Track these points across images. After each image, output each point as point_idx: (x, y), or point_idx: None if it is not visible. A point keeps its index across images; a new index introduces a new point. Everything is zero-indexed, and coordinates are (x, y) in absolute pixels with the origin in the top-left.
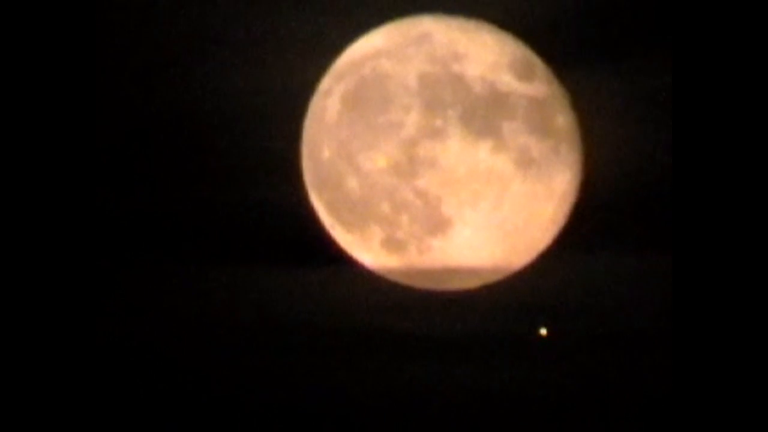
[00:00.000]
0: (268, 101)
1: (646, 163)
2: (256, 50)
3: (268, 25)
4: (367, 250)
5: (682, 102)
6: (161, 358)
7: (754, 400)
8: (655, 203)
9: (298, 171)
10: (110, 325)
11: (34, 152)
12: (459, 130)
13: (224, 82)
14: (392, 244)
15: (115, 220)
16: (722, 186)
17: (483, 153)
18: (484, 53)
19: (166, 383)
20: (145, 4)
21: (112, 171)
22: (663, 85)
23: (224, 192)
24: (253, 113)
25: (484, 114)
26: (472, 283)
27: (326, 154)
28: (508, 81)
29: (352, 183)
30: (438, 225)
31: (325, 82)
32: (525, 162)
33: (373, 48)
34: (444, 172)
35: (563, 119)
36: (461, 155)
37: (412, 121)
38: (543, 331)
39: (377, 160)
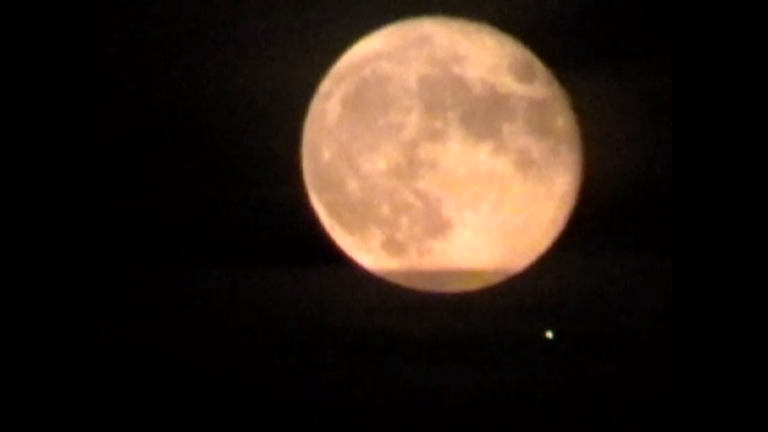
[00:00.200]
0: (269, 102)
1: (646, 165)
2: (256, 51)
3: (269, 26)
4: (368, 252)
5: (681, 103)
6: (160, 358)
7: (754, 400)
8: (655, 205)
9: (298, 173)
10: (110, 325)
11: (34, 152)
12: (459, 132)
13: (224, 83)
14: (392, 245)
15: (115, 220)
16: (722, 187)
17: (483, 155)
18: (484, 55)
19: (165, 383)
20: (145, 4)
21: (112, 171)
22: (663, 87)
23: (225, 193)
24: (254, 115)
25: (484, 116)
26: (473, 285)
27: (326, 155)
28: (508, 83)
29: (353, 185)
30: (438, 227)
31: (326, 84)
32: (525, 163)
33: (374, 50)
34: (444, 173)
35: (563, 121)
36: (461, 157)
37: (412, 122)
38: (549, 334)
39: (377, 161)
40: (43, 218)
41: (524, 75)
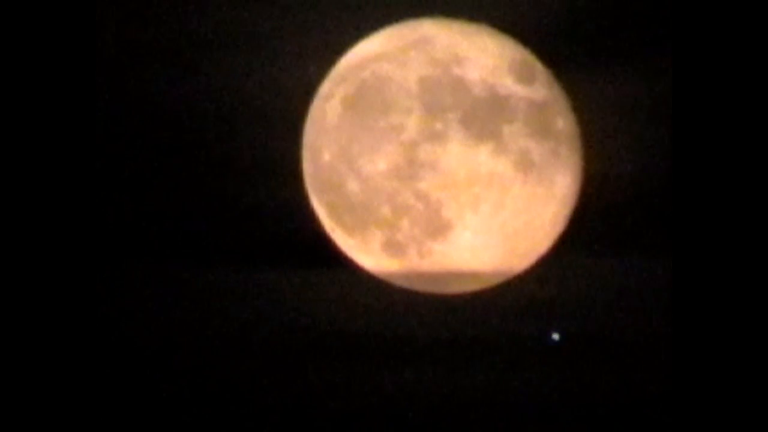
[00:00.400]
0: (269, 103)
1: (646, 166)
2: (256, 52)
3: (269, 26)
4: (368, 254)
5: (682, 105)
6: (159, 358)
7: (754, 402)
8: (656, 206)
9: (298, 174)
10: (110, 325)
11: (34, 152)
12: (459, 134)
13: (224, 83)
14: (393, 247)
15: (115, 220)
16: (722, 189)
17: (483, 156)
18: (485, 56)
19: (165, 383)
20: (145, 4)
21: (112, 171)
22: (663, 88)
23: (225, 194)
24: (254, 116)
25: (484, 117)
26: (473, 287)
27: (327, 157)
28: (508, 84)
29: (353, 186)
30: (439, 228)
31: (326, 86)
32: (525, 165)
33: (374, 51)
34: (444, 175)
35: (564, 122)
36: (462, 158)
37: (412, 124)
38: (555, 336)
39: (378, 163)
40: (43, 218)
41: (525, 76)
